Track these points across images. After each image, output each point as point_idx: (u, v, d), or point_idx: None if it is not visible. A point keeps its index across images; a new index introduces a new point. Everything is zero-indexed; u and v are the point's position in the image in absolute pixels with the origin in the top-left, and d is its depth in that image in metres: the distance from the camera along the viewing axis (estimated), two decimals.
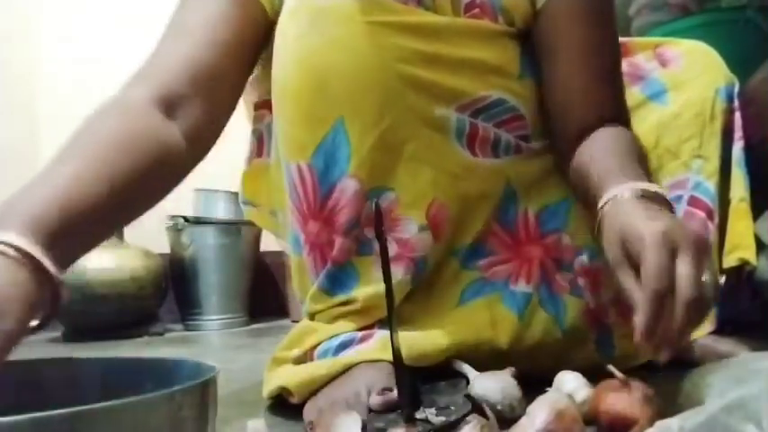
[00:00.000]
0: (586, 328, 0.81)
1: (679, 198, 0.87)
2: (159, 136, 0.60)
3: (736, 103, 0.91)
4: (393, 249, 0.70)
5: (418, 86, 0.70)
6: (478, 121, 0.76)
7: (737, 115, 0.91)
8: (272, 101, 0.74)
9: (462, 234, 0.77)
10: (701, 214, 0.86)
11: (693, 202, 0.87)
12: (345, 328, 0.72)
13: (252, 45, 0.73)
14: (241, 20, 0.72)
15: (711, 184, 0.87)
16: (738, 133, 0.91)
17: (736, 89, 0.92)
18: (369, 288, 0.70)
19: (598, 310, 0.82)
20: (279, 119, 0.73)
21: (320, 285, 0.72)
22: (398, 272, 0.71)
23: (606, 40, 0.79)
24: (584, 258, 0.81)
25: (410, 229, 0.71)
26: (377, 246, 0.68)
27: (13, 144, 1.91)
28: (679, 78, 0.89)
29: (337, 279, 0.72)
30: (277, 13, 0.73)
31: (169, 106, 0.64)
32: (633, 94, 0.87)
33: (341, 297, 0.72)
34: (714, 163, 0.87)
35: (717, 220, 0.87)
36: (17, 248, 0.42)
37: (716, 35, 0.93)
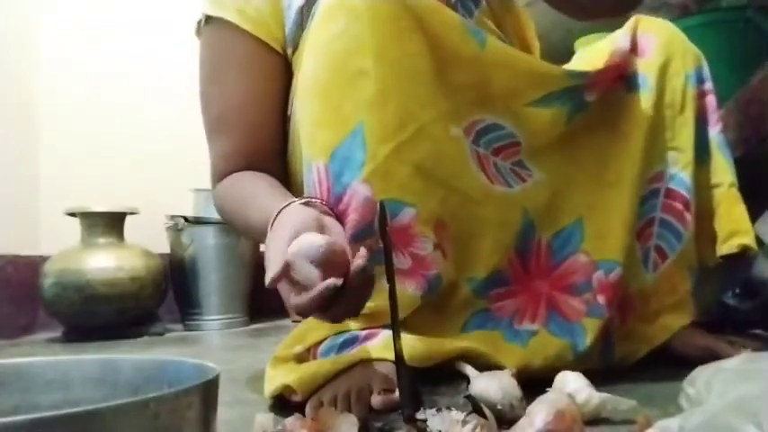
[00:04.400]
0: (595, 347, 0.79)
1: (656, 191, 0.87)
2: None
3: (708, 84, 0.90)
4: (408, 264, 0.70)
5: (438, 102, 0.71)
6: (479, 148, 0.76)
7: (710, 98, 0.90)
8: (298, 100, 0.74)
9: (477, 262, 0.76)
10: (679, 206, 0.86)
11: (670, 194, 0.87)
12: (349, 327, 0.71)
13: (282, 89, 0.81)
14: (266, 84, 0.81)
15: (686, 175, 0.87)
16: (714, 116, 0.90)
17: (706, 69, 0.90)
18: (377, 297, 0.68)
19: (610, 323, 0.81)
20: (304, 118, 0.73)
21: None
22: (410, 286, 0.70)
23: None
24: (601, 273, 0.80)
25: (426, 247, 0.71)
26: (398, 255, 0.69)
27: (13, 143, 1.91)
28: (652, 67, 0.87)
29: None
30: (287, 43, 0.79)
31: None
32: (621, 95, 0.86)
33: None
34: (688, 153, 0.87)
35: (693, 209, 0.87)
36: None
37: (716, 35, 0.93)
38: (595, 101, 0.84)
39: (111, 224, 1.78)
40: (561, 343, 0.77)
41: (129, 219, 1.82)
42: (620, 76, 0.87)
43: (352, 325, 0.72)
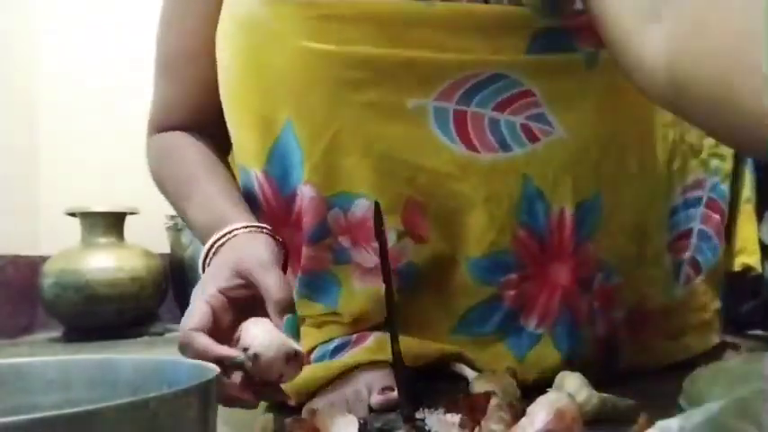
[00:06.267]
0: (595, 357, 0.74)
1: (699, 200, 0.82)
2: (210, 149, 0.75)
3: None
4: (373, 261, 0.65)
5: (384, 79, 0.64)
6: (468, 108, 0.66)
7: None
8: (223, 105, 0.70)
9: (469, 239, 0.69)
10: (717, 217, 0.83)
11: (710, 204, 0.82)
12: (336, 333, 0.70)
13: None
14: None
15: (726, 186, 0.83)
16: None
17: None
18: (353, 302, 0.67)
19: (608, 335, 0.75)
20: (229, 124, 0.70)
21: (298, 291, 0.69)
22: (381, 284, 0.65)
23: None
24: (600, 276, 0.73)
25: (389, 238, 0.64)
26: (362, 252, 0.65)
27: (13, 143, 1.91)
28: None
29: (314, 286, 0.68)
30: None
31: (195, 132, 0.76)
32: None
33: (324, 305, 0.69)
34: (729, 162, 0.84)
35: (726, 222, 0.84)
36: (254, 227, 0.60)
37: None
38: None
39: (111, 224, 1.78)
40: (559, 356, 0.71)
41: (129, 219, 1.82)
42: None
43: (338, 330, 0.70)
